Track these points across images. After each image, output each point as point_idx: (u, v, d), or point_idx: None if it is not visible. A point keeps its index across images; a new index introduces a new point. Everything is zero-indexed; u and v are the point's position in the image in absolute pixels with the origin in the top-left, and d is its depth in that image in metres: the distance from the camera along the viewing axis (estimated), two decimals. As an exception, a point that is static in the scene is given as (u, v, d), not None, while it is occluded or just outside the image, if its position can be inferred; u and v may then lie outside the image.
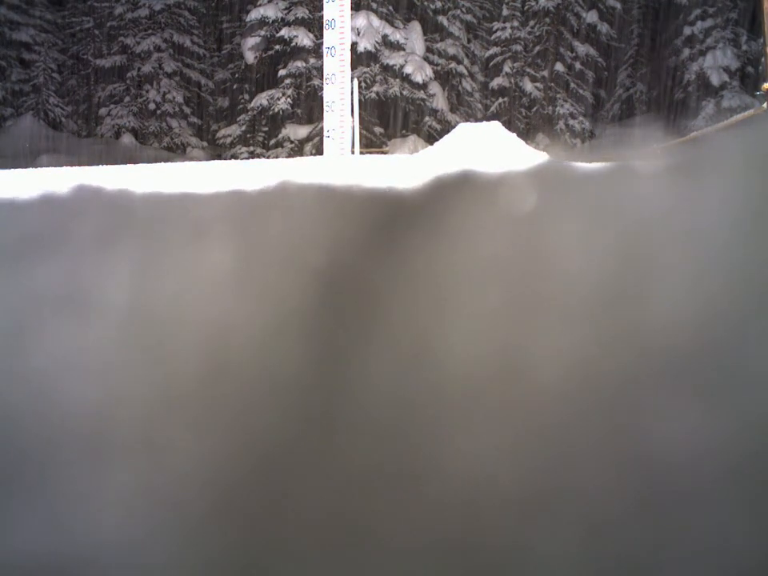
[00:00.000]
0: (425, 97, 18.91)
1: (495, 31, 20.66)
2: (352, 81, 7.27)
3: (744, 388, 0.31)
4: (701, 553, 0.30)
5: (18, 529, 0.40)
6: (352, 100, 7.21)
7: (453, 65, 20.20)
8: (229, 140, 20.61)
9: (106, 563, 0.39)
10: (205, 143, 22.23)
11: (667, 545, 0.31)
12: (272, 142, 19.43)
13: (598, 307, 0.36)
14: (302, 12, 18.72)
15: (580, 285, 0.37)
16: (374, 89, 18.33)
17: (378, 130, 18.84)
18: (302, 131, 19.03)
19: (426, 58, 19.23)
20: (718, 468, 0.30)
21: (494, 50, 20.65)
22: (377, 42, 18.29)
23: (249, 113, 19.82)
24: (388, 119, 19.03)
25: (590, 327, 0.35)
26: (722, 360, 0.31)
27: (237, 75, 21.71)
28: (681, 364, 0.31)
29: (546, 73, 20.36)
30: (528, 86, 20.10)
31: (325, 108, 7.11)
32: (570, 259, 0.37)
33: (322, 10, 7.26)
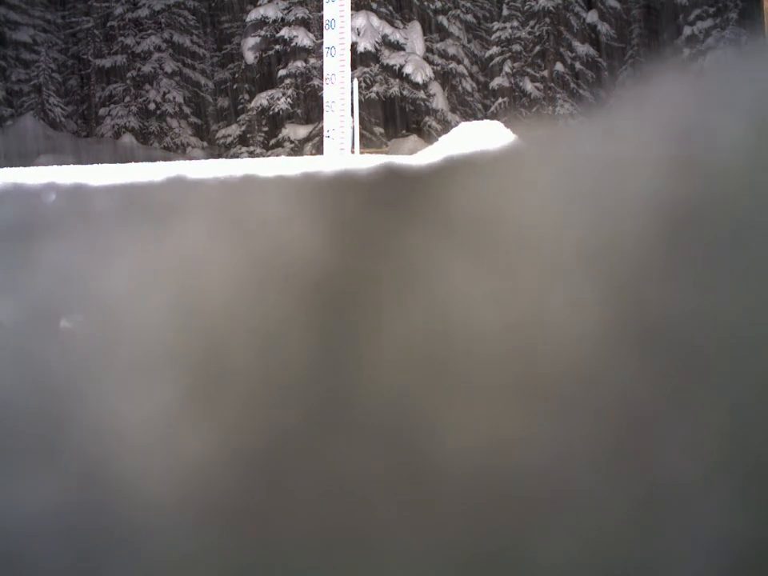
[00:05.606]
0: (425, 97, 18.91)
1: (495, 31, 20.65)
2: (352, 81, 7.27)
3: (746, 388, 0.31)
4: (700, 546, 0.31)
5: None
6: (352, 100, 7.21)
7: (453, 65, 20.21)
8: (229, 140, 20.60)
9: (104, 562, 0.39)
10: (205, 143, 22.22)
11: (667, 543, 0.31)
12: (272, 141, 19.44)
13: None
14: (301, 12, 18.72)
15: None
16: (374, 89, 18.34)
17: (378, 129, 18.83)
18: (302, 131, 19.03)
19: (426, 58, 19.23)
20: (720, 468, 0.31)
21: (494, 49, 20.63)
22: (377, 42, 18.29)
23: (249, 113, 19.82)
24: (388, 119, 19.03)
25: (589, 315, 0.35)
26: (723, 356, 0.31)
27: (237, 75, 21.69)
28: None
29: (545, 73, 20.35)
30: (528, 85, 20.09)
31: (325, 108, 7.11)
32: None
33: (322, 10, 7.26)
